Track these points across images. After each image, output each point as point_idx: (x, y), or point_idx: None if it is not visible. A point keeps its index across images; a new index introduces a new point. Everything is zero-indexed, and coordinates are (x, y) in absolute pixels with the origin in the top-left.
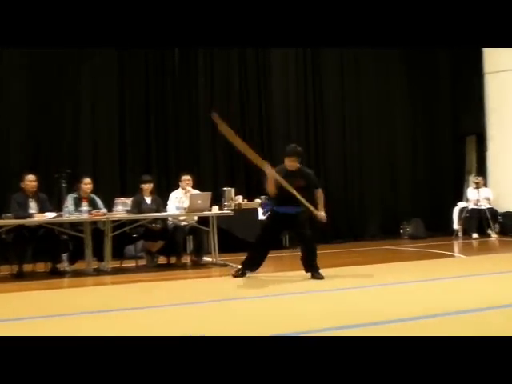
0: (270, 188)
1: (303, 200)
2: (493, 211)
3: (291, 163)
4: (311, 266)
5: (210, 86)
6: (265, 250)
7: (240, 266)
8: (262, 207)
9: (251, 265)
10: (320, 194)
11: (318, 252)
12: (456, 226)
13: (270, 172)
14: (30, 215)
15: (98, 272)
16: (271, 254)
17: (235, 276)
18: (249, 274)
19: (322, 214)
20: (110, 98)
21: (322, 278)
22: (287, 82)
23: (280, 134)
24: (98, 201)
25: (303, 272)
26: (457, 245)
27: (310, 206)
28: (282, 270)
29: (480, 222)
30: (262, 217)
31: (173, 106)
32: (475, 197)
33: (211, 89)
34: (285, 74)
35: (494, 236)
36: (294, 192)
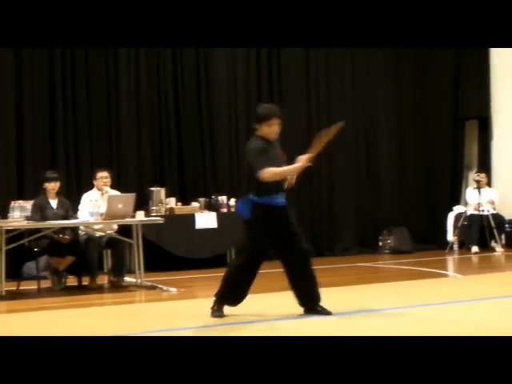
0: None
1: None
2: (498, 218)
3: (276, 129)
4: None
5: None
6: (254, 272)
7: (214, 300)
8: (238, 206)
9: (232, 296)
10: None
11: (269, 271)
12: (451, 236)
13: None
14: None
15: None
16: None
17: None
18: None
19: None
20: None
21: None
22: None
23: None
24: None
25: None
26: (452, 261)
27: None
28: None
29: (482, 231)
30: (203, 225)
31: (85, 85)
32: (476, 199)
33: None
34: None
35: (499, 250)
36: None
